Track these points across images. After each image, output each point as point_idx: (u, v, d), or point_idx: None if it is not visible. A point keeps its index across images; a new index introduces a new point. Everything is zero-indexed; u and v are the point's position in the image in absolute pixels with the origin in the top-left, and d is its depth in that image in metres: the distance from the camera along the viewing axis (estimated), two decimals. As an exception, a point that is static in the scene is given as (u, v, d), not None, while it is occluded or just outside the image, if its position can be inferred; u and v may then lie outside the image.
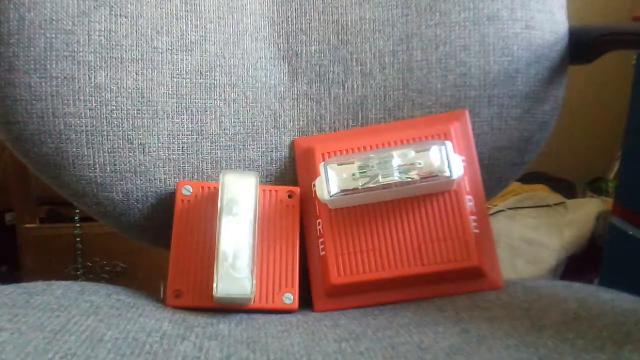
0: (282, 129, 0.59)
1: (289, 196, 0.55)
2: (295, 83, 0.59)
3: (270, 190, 0.55)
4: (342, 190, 0.50)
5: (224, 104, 0.57)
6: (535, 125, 0.59)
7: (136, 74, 0.55)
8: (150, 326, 0.44)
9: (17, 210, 1.19)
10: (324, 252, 0.53)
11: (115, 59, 0.54)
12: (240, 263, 0.49)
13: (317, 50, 0.59)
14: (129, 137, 0.55)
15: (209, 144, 0.57)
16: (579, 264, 1.24)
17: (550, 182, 1.46)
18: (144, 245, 0.61)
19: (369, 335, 0.44)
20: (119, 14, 0.55)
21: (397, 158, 0.50)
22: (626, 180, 1.04)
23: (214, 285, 0.48)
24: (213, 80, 0.57)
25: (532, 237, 1.25)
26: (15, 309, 0.43)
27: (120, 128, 0.55)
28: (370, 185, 0.50)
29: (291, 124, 0.59)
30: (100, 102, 0.54)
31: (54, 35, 0.53)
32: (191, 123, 0.57)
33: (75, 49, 0.54)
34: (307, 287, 0.54)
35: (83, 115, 0.54)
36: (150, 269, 1.19)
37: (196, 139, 0.57)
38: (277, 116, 0.59)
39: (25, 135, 0.54)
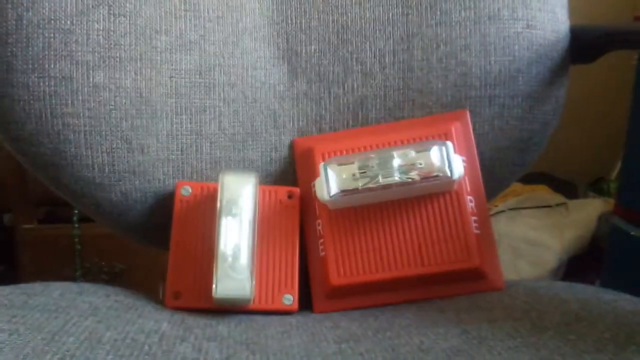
0: (282, 129, 0.59)
1: (289, 196, 0.55)
2: (295, 83, 0.59)
3: (270, 191, 0.55)
4: (342, 191, 0.50)
5: (223, 103, 0.57)
6: (537, 125, 0.59)
7: (135, 73, 0.55)
8: (149, 327, 0.44)
9: (15, 211, 1.18)
10: (323, 253, 0.53)
11: (113, 58, 0.54)
12: (240, 264, 0.49)
13: (317, 50, 0.59)
14: (127, 137, 0.55)
15: (208, 144, 0.57)
16: (581, 265, 1.24)
17: (551, 182, 1.46)
18: (143, 246, 0.60)
19: (369, 336, 0.43)
20: (117, 13, 0.54)
21: (397, 158, 0.50)
22: (628, 180, 1.04)
23: (214, 286, 0.48)
24: (212, 80, 0.57)
25: (534, 238, 1.24)
26: (13, 310, 0.43)
27: (119, 128, 0.54)
28: (371, 185, 0.50)
29: (291, 124, 0.59)
30: (98, 102, 0.54)
31: (52, 35, 0.53)
32: (190, 123, 0.56)
33: (74, 49, 0.53)
34: (307, 288, 0.54)
35: (81, 115, 0.54)
36: (149, 270, 1.19)
37: (195, 139, 0.56)
38: (277, 116, 0.58)
39: (23, 135, 0.53)
